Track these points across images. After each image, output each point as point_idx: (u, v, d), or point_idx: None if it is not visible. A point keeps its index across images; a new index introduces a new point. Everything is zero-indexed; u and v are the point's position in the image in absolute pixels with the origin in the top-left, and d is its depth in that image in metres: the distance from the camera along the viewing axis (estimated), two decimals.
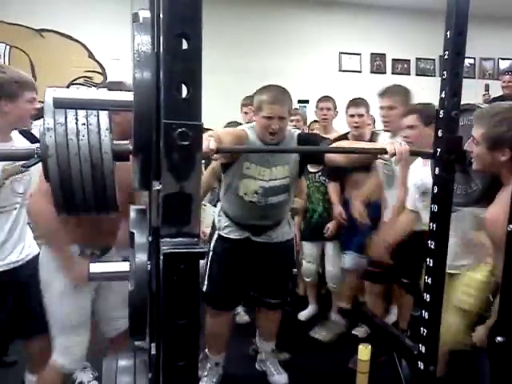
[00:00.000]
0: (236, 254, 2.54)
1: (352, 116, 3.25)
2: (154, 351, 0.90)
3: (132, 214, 0.93)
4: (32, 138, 2.26)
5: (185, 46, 0.64)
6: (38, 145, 0.96)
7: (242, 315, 3.62)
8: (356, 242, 3.30)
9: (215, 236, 2.61)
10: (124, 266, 0.89)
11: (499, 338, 1.39)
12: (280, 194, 2.45)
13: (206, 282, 2.62)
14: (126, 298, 2.45)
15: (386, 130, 2.97)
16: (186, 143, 0.63)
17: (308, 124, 4.38)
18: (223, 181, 2.53)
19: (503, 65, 6.63)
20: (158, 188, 0.65)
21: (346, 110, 3.34)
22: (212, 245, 2.61)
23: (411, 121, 2.54)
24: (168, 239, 0.64)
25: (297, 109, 4.28)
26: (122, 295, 2.29)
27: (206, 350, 2.77)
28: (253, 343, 3.12)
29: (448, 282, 2.33)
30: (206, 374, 2.74)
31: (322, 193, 3.48)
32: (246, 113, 3.67)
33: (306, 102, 5.15)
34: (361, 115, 3.23)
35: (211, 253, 2.61)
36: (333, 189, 3.40)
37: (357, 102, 3.31)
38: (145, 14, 0.85)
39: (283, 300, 2.76)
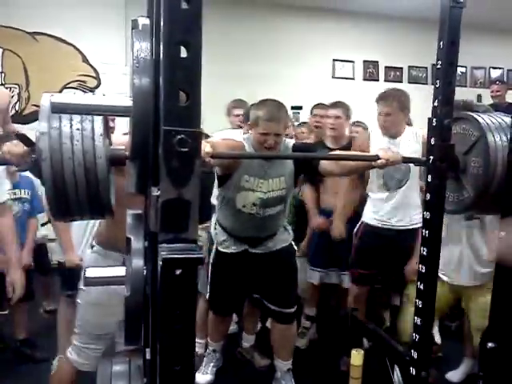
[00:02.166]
0: (235, 267, 2.57)
1: (326, 117, 3.33)
2: (148, 356, 0.90)
3: (128, 220, 0.93)
4: (27, 142, 2.25)
5: (184, 53, 0.65)
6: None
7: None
8: (325, 257, 3.31)
9: (213, 250, 2.64)
10: (120, 271, 0.89)
11: (490, 344, 1.40)
12: (277, 206, 2.47)
13: (208, 290, 2.69)
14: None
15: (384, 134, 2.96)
16: (185, 150, 0.64)
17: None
18: (219, 194, 2.53)
19: (494, 74, 6.71)
20: (157, 194, 0.66)
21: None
22: (211, 259, 2.64)
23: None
24: (166, 245, 0.65)
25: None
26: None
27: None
28: (239, 346, 3.21)
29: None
30: (204, 360, 2.90)
31: (292, 205, 3.30)
32: (236, 115, 3.48)
33: (300, 108, 5.17)
34: (338, 117, 3.25)
35: (210, 267, 2.64)
36: (310, 194, 3.28)
37: (336, 104, 3.34)
38: (144, 21, 0.86)
39: (294, 312, 2.73)
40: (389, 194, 2.91)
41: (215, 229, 2.63)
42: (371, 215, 2.99)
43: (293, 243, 2.70)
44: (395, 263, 2.99)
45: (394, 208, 2.90)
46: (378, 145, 2.84)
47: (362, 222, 3.06)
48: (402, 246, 2.90)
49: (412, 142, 2.86)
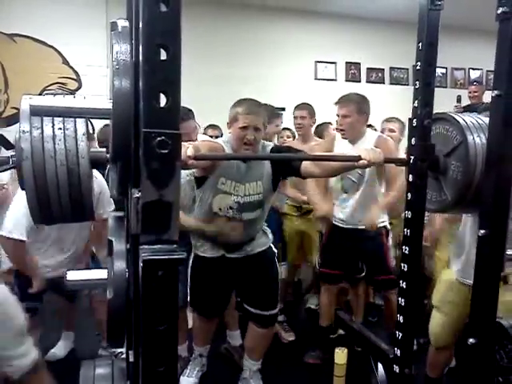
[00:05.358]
0: (213, 271, 2.56)
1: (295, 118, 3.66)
2: (131, 358, 0.90)
3: (110, 222, 0.93)
4: (6, 144, 2.23)
5: (164, 56, 0.65)
6: (12, 152, 0.95)
7: None
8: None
9: (192, 255, 2.62)
10: (102, 274, 0.88)
11: (471, 340, 1.42)
12: (254, 210, 2.45)
13: (189, 293, 2.66)
14: (16, 332, 2.11)
15: (343, 138, 3.01)
16: (165, 151, 0.64)
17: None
18: (197, 196, 2.49)
19: (473, 75, 6.82)
20: (138, 196, 0.66)
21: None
22: (190, 263, 2.62)
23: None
24: (147, 246, 0.65)
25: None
26: (10, 331, 2.02)
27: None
28: (225, 342, 3.23)
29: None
30: (189, 364, 2.88)
31: None
32: None
33: (283, 109, 5.18)
34: (303, 117, 3.60)
35: (190, 270, 2.63)
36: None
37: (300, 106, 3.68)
38: (123, 23, 0.86)
39: (276, 314, 2.71)
40: (347, 196, 2.98)
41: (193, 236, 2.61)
42: (335, 216, 3.06)
43: (272, 246, 2.67)
44: (359, 263, 3.14)
45: (353, 209, 2.96)
46: (340, 148, 2.96)
47: None
48: (364, 246, 2.98)
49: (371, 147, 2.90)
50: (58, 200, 0.90)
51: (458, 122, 1.65)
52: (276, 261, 2.71)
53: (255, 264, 2.57)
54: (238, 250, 2.52)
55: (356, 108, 2.88)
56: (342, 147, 2.96)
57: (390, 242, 3.04)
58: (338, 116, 2.95)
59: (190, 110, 2.89)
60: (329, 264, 3.12)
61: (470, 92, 5.25)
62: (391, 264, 2.98)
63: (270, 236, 2.68)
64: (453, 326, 2.41)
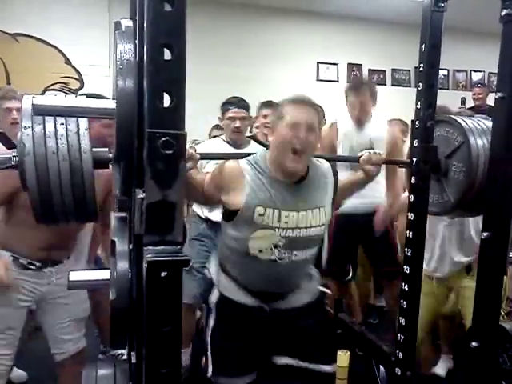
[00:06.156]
0: (245, 321, 1.79)
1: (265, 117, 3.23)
2: (134, 360, 0.89)
3: (113, 222, 0.92)
4: (8, 143, 2.23)
5: (168, 56, 0.64)
6: (14, 151, 0.95)
7: None
8: None
9: (216, 296, 1.83)
10: (105, 274, 0.88)
11: (474, 343, 1.42)
12: (310, 248, 1.76)
13: (210, 367, 1.80)
14: (78, 319, 2.15)
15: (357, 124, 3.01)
16: (170, 152, 0.64)
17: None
18: (227, 233, 1.76)
19: (475, 77, 6.80)
20: (142, 196, 0.65)
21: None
22: (214, 307, 1.83)
23: None
24: (151, 247, 0.65)
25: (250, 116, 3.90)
26: (73, 315, 2.06)
27: None
28: None
29: None
30: None
31: None
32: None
33: None
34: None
35: (214, 320, 1.82)
36: None
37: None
38: (127, 22, 0.85)
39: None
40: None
41: (217, 272, 1.84)
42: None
43: (320, 288, 1.96)
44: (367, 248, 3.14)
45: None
46: (346, 134, 2.98)
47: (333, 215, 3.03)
48: (367, 229, 2.96)
49: (377, 128, 2.97)
50: (60, 198, 0.89)
51: (460, 123, 1.65)
52: (325, 310, 2.18)
53: (300, 320, 1.84)
54: (280, 300, 1.81)
55: (370, 94, 2.96)
56: (347, 133, 2.99)
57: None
58: (351, 103, 2.96)
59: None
60: (337, 262, 3.07)
61: (474, 94, 5.25)
62: (398, 255, 2.97)
63: (317, 276, 1.94)
64: (423, 317, 2.42)
